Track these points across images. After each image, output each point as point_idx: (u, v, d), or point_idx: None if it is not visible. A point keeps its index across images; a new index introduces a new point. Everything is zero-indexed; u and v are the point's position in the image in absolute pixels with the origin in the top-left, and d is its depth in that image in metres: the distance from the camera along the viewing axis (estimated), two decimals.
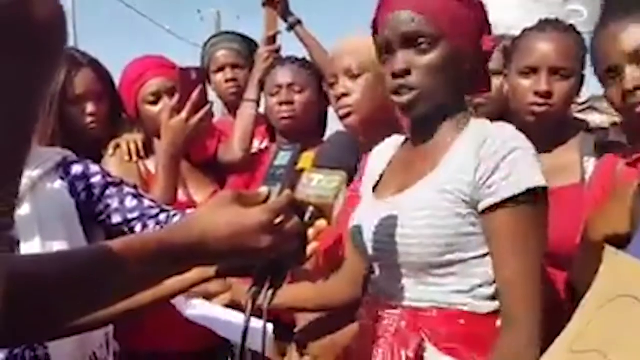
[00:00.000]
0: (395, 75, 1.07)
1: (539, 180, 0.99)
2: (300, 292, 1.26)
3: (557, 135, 1.50)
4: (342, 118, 1.49)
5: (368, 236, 1.11)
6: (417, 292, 1.04)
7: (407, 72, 1.06)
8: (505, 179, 0.98)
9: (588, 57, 1.41)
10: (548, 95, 1.45)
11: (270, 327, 0.84)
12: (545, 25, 1.52)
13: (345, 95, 1.45)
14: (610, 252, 0.85)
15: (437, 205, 1.02)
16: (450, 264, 1.02)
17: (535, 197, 0.99)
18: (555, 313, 0.96)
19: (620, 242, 0.91)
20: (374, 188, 1.18)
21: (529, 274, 0.99)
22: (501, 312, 1.00)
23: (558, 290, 1.27)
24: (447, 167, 1.04)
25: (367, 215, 1.12)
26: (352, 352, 1.16)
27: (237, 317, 1.29)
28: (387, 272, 1.08)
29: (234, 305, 1.30)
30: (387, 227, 1.05)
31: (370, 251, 1.12)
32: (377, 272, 1.13)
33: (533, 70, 1.47)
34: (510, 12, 2.32)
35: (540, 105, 1.45)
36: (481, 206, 1.00)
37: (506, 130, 1.05)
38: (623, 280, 0.80)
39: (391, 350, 1.01)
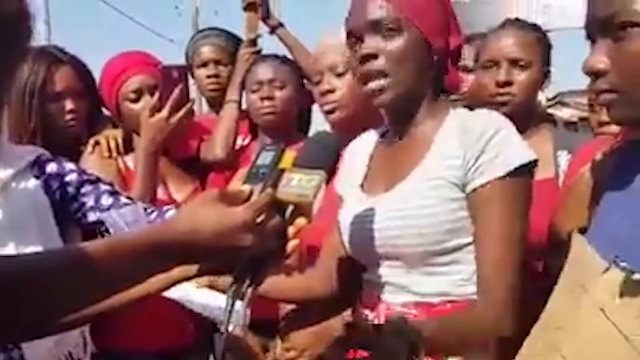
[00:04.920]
0: (362, 61, 1.07)
1: (527, 156, 1.02)
2: (278, 282, 1.25)
3: (525, 126, 1.52)
4: (326, 114, 1.49)
5: (364, 234, 1.09)
6: (425, 285, 1.04)
7: (374, 56, 1.06)
8: (492, 160, 1.00)
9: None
10: (507, 84, 1.55)
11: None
12: (506, 22, 1.65)
13: (330, 91, 1.45)
14: (577, 239, 0.87)
15: (432, 193, 1.03)
16: (451, 251, 1.03)
17: (522, 173, 1.01)
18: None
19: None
20: (362, 185, 1.17)
21: (511, 256, 1.00)
22: (477, 285, 1.01)
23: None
24: (434, 157, 1.05)
25: (358, 213, 1.11)
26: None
27: (215, 298, 1.28)
28: (388, 268, 1.08)
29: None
30: (385, 222, 1.05)
31: (368, 248, 1.10)
32: (376, 269, 1.11)
33: (495, 63, 1.57)
34: None
35: (502, 95, 1.55)
36: (470, 187, 1.01)
37: (486, 115, 1.07)
38: (582, 267, 0.82)
39: None
